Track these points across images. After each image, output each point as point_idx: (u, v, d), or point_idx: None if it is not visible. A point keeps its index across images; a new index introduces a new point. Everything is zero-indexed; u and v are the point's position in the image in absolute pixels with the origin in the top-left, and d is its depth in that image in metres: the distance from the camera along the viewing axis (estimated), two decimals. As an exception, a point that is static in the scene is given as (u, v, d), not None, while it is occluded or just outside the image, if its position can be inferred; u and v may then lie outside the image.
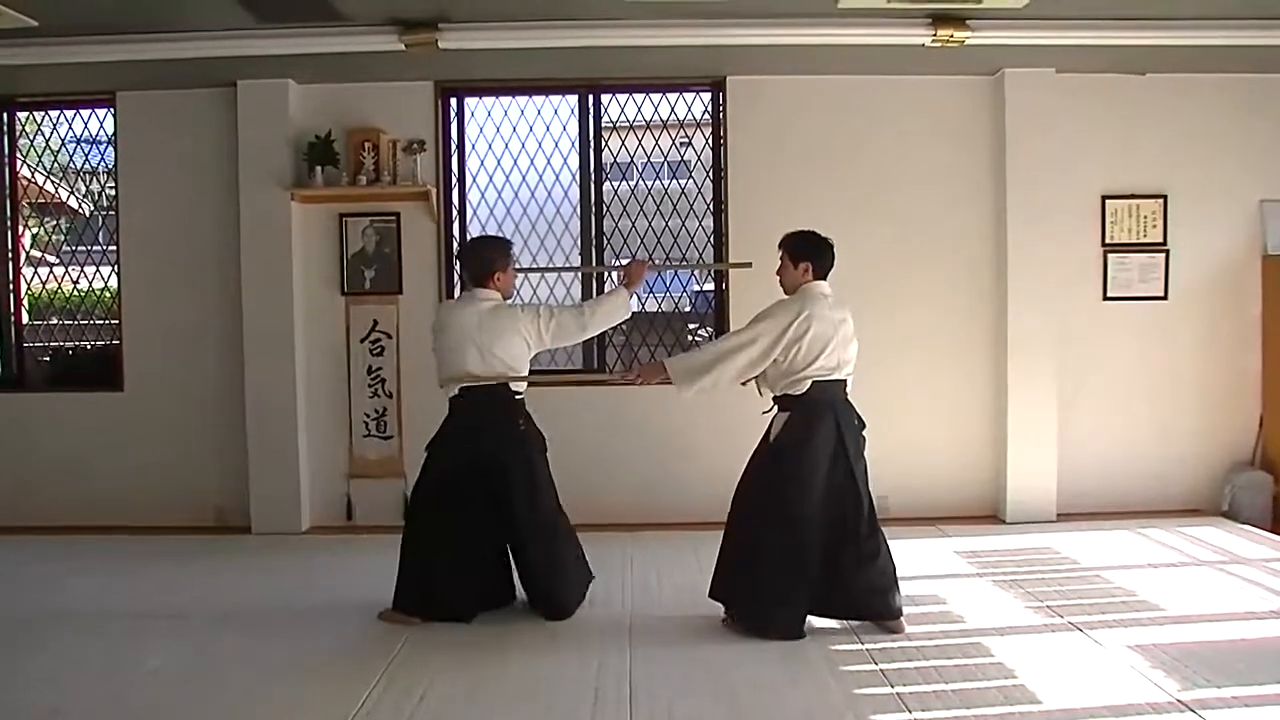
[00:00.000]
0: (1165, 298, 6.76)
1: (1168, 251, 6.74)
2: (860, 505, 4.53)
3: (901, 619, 4.55)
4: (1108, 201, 6.72)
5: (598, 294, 6.60)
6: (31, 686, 4.05)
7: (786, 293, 4.70)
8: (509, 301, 4.89)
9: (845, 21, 5.67)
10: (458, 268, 6.47)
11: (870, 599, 4.55)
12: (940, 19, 5.62)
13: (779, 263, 4.72)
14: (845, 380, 4.62)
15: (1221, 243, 6.77)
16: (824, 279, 4.66)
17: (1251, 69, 6.53)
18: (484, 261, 4.83)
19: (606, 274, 6.80)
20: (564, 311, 4.86)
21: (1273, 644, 4.30)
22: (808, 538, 4.46)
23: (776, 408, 4.64)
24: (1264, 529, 6.31)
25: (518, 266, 5.36)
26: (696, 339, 7.08)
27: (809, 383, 4.50)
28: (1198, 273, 6.77)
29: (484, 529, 4.73)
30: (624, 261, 6.27)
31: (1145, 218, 6.73)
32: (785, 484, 4.48)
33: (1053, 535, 6.20)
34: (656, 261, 6.57)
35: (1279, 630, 4.47)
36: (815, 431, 4.49)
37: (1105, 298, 6.76)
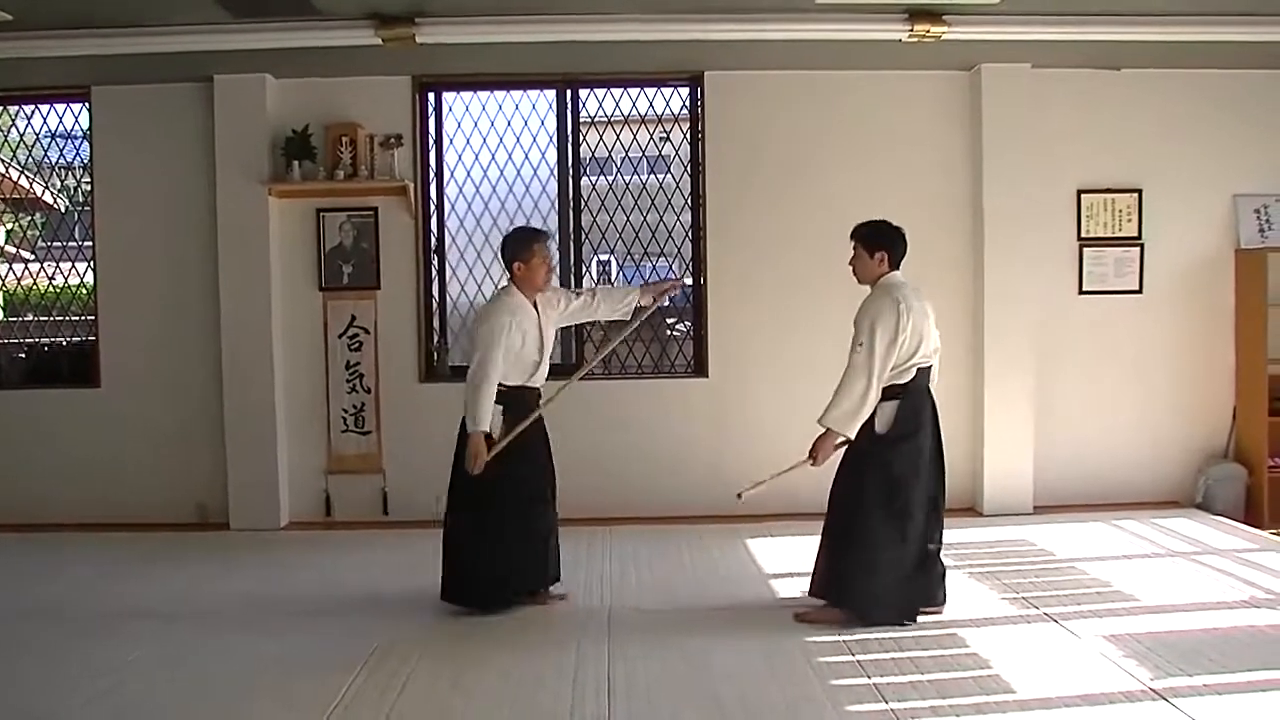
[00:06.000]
0: (1140, 291, 6.80)
1: (1142, 245, 6.79)
2: (943, 489, 4.61)
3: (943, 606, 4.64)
4: (1083, 196, 6.77)
5: (575, 283, 6.69)
6: (13, 684, 4.03)
7: (862, 283, 4.70)
8: (506, 294, 4.77)
9: (823, 17, 5.69)
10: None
11: (937, 585, 4.63)
12: (917, 14, 5.63)
13: (852, 253, 4.71)
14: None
15: (1196, 237, 6.82)
16: (898, 268, 4.66)
17: (1226, 64, 6.58)
18: (504, 252, 4.85)
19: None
20: (477, 363, 4.63)
21: (1244, 633, 4.35)
22: (922, 522, 4.48)
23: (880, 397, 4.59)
24: (1237, 520, 6.37)
25: None
26: (674, 334, 7.08)
27: (914, 370, 4.52)
28: (1172, 266, 6.82)
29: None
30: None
31: (1120, 212, 6.77)
32: (902, 475, 4.47)
33: (1029, 527, 6.25)
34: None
35: (1250, 620, 4.52)
36: (922, 419, 4.53)
37: (1081, 291, 6.81)
